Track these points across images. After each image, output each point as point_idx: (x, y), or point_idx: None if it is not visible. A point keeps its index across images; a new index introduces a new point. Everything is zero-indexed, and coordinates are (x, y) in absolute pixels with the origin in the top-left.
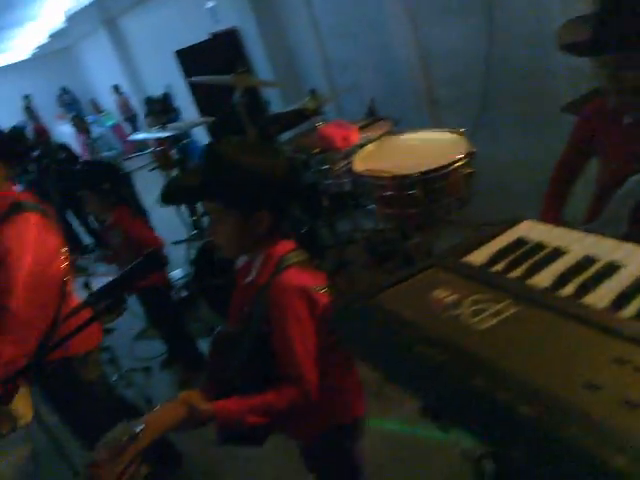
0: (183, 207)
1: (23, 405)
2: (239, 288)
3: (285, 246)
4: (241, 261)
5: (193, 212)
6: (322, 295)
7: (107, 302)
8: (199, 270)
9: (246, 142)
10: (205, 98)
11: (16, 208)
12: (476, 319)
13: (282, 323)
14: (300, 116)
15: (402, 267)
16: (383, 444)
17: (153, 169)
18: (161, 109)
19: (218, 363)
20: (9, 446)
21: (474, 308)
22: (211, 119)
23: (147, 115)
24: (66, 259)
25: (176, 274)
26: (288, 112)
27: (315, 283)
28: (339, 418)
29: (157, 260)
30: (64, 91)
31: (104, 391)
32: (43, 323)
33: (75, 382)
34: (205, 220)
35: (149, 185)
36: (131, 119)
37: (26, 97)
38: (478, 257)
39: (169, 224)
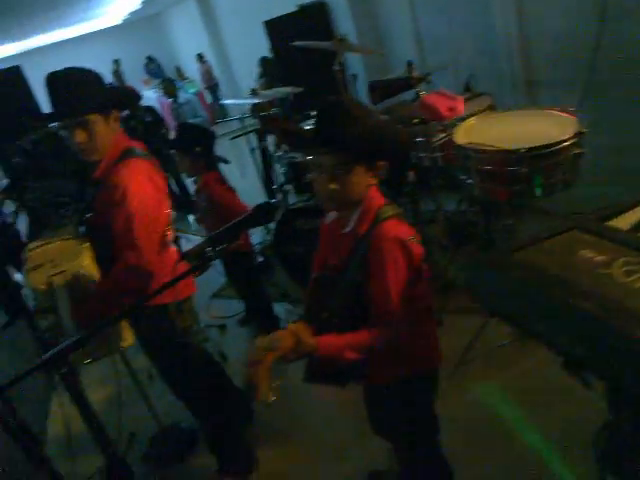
0: (261, 175)
1: (127, 329)
2: (331, 239)
3: (380, 199)
4: (329, 218)
5: (270, 181)
6: (416, 245)
7: (215, 250)
8: (279, 237)
9: (365, 106)
10: (291, 69)
11: (129, 153)
12: (630, 279)
13: (380, 269)
14: (404, 84)
15: (482, 251)
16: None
17: (235, 137)
18: (274, 70)
19: (315, 305)
20: (95, 385)
21: (626, 269)
22: (300, 89)
23: (261, 76)
24: (168, 209)
25: (253, 240)
26: (391, 79)
27: (410, 234)
28: (420, 365)
29: (267, 213)
30: (150, 59)
31: (195, 339)
32: (154, 262)
33: (169, 328)
34: (287, 188)
35: (227, 153)
36: (212, 88)
37: (115, 61)
38: (621, 223)
39: (248, 192)
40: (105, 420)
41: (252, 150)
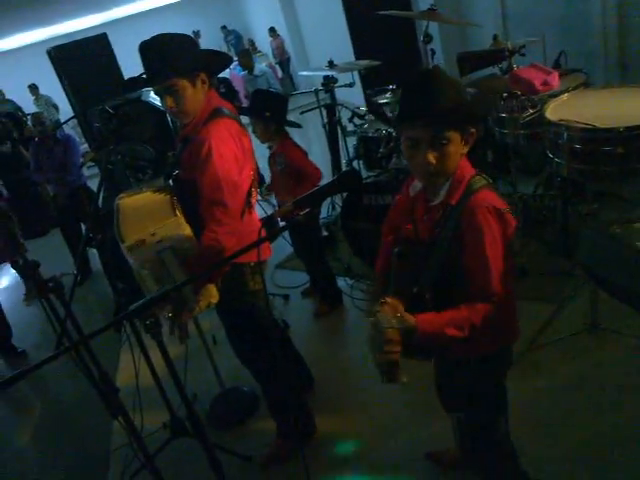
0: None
1: (215, 289)
2: (412, 211)
3: (471, 169)
4: (413, 189)
5: (338, 156)
6: (511, 216)
7: (303, 213)
8: (346, 212)
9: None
10: (364, 42)
11: (218, 112)
12: None
13: (477, 240)
14: (494, 57)
15: (558, 236)
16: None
17: (305, 112)
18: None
19: (403, 279)
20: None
21: None
22: (377, 62)
23: None
24: (254, 168)
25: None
26: (480, 51)
27: (504, 205)
28: (502, 340)
29: (352, 180)
30: (228, 29)
31: (265, 302)
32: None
33: (242, 289)
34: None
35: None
36: (284, 62)
37: (195, 33)
38: None
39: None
40: (170, 380)
41: (323, 125)
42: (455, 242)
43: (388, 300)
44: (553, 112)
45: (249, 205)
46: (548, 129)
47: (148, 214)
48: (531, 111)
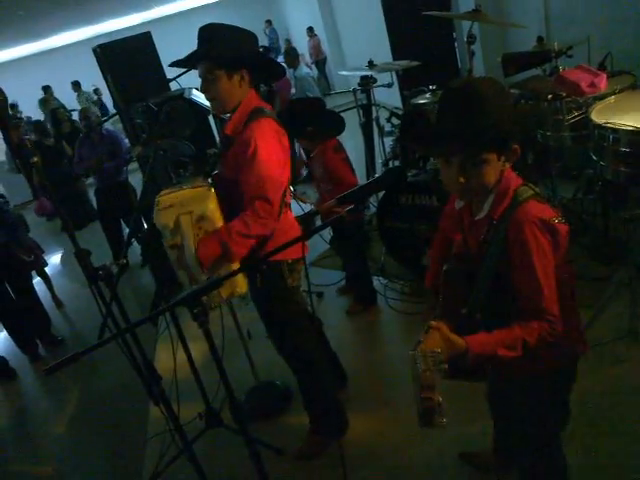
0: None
1: (241, 277)
2: (460, 226)
3: (516, 180)
4: (459, 203)
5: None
6: (562, 225)
7: (347, 209)
8: (382, 211)
9: (498, 85)
10: (402, 43)
11: (261, 112)
12: None
13: (525, 258)
14: (540, 58)
15: (598, 242)
16: None
17: (342, 112)
18: None
19: (451, 299)
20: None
21: None
22: (417, 63)
23: None
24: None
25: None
26: (525, 52)
27: (553, 214)
28: (561, 357)
29: (397, 176)
30: (271, 27)
31: (301, 298)
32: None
33: (280, 284)
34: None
35: None
36: (320, 62)
37: None
38: None
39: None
40: (205, 370)
41: (361, 125)
42: (502, 258)
43: (433, 324)
44: (599, 114)
45: (285, 204)
46: (593, 132)
47: (184, 194)
48: (576, 113)
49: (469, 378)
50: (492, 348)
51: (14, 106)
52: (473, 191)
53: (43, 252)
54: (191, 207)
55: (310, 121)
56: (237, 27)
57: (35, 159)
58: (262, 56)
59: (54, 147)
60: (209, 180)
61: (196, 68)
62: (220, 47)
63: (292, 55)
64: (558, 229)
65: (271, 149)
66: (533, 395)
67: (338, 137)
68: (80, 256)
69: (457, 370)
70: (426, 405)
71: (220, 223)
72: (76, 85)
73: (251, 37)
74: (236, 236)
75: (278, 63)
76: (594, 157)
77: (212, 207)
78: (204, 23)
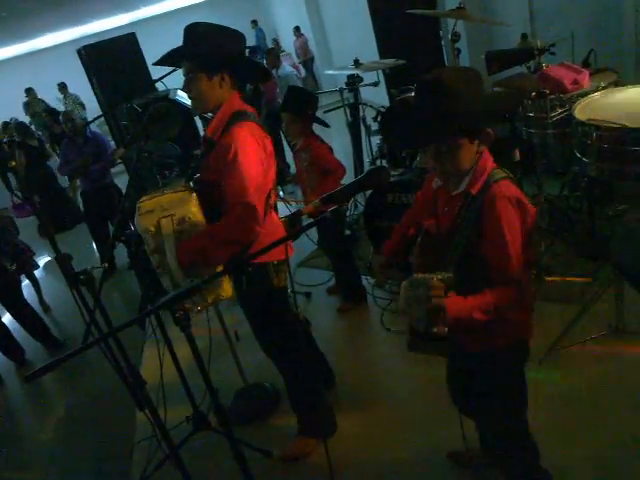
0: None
1: (227, 281)
2: (435, 202)
3: (491, 163)
4: (437, 182)
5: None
6: (530, 205)
7: (330, 209)
8: (369, 210)
9: (468, 72)
10: (389, 41)
11: (242, 115)
12: None
13: (496, 228)
14: (523, 55)
15: (584, 238)
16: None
17: (329, 111)
18: None
19: (426, 267)
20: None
21: None
22: (402, 61)
23: None
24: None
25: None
26: (509, 50)
27: (523, 196)
28: (516, 334)
29: (380, 177)
30: (258, 27)
31: (287, 299)
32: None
33: (266, 286)
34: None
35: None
36: (307, 62)
37: None
38: None
39: None
40: (192, 374)
41: (348, 124)
42: (475, 230)
43: (438, 275)
44: (582, 111)
45: (269, 206)
46: (577, 129)
47: (167, 202)
48: (559, 110)
49: (435, 347)
50: (468, 312)
51: None
52: (451, 174)
53: (34, 254)
54: (172, 210)
55: (310, 105)
56: (223, 27)
57: (13, 163)
58: (244, 59)
59: (38, 148)
60: (191, 184)
61: (180, 67)
62: (201, 48)
63: (273, 55)
64: (527, 207)
65: (252, 154)
66: (491, 371)
67: (325, 136)
68: (61, 261)
69: (425, 336)
70: (439, 302)
71: (202, 226)
72: (62, 87)
73: (236, 38)
74: (218, 241)
75: (261, 66)
76: (578, 154)
77: (194, 210)
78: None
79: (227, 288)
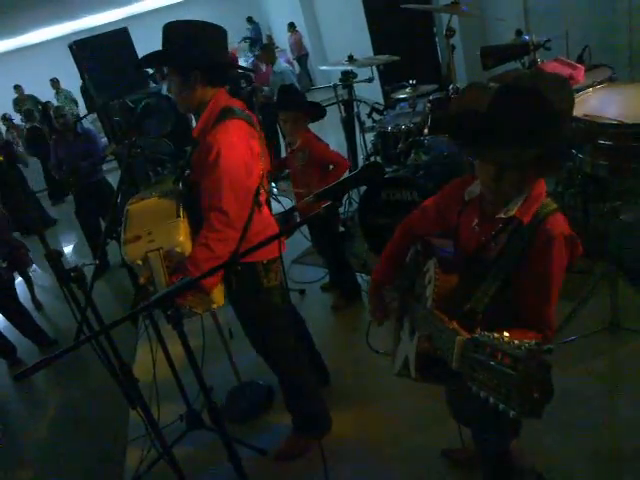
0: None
1: (218, 291)
2: (469, 215)
3: (544, 189)
4: (471, 192)
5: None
6: (580, 244)
7: (324, 206)
8: (364, 207)
9: (560, 82)
10: (383, 37)
11: (228, 113)
12: None
13: (547, 270)
14: (519, 51)
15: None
16: None
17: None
18: None
19: (454, 293)
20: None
21: None
22: (396, 57)
23: None
24: (264, 168)
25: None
26: (504, 45)
27: (572, 231)
28: None
29: (374, 172)
30: (253, 22)
31: (280, 299)
32: (241, 225)
33: (256, 286)
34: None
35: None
36: (302, 58)
37: None
38: None
39: None
40: (186, 371)
41: (342, 120)
42: (519, 263)
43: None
44: (577, 107)
45: (258, 203)
46: (572, 125)
47: (152, 215)
48: None
49: (437, 381)
50: None
51: None
52: (501, 195)
53: (29, 251)
54: (159, 242)
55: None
56: (200, 25)
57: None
58: (216, 59)
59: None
60: (180, 184)
61: (148, 67)
62: (172, 48)
63: (268, 50)
64: (578, 247)
65: (234, 155)
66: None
67: (319, 133)
68: (51, 258)
69: (432, 369)
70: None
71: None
72: (55, 82)
73: (213, 36)
74: (202, 268)
75: (236, 66)
76: (573, 151)
77: (181, 239)
78: (184, 18)
79: (219, 297)
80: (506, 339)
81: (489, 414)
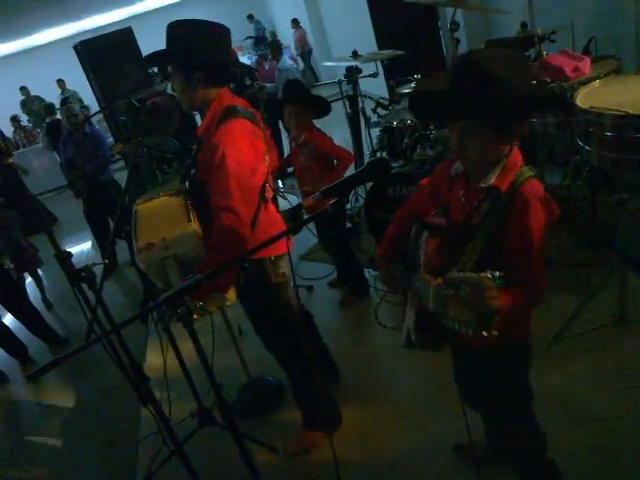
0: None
1: (232, 293)
2: (448, 190)
3: (521, 158)
4: (456, 169)
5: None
6: (556, 206)
7: (331, 203)
8: (370, 203)
9: (507, 55)
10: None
11: (231, 112)
12: None
13: (527, 230)
14: (523, 44)
15: (586, 227)
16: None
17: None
18: None
19: (440, 259)
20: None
21: None
22: (401, 52)
23: None
24: (269, 166)
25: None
26: (508, 38)
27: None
28: (518, 333)
29: (381, 169)
30: (255, 20)
31: (288, 294)
32: (250, 223)
33: (264, 282)
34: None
35: None
36: (305, 54)
37: None
38: None
39: None
40: (197, 368)
41: (347, 116)
42: (500, 228)
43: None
44: (583, 99)
45: (264, 200)
46: (578, 117)
47: (162, 219)
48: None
49: (434, 345)
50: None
51: None
52: (472, 162)
53: (38, 251)
54: (174, 248)
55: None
56: (202, 25)
57: (10, 160)
58: (218, 59)
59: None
60: (185, 184)
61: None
62: (173, 49)
63: (275, 47)
64: (554, 207)
65: (239, 154)
66: (493, 368)
67: (325, 129)
68: (61, 258)
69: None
70: (496, 304)
71: (204, 254)
72: (61, 83)
73: (215, 35)
74: (219, 263)
75: (241, 63)
76: (580, 143)
77: (195, 244)
78: (187, 17)
79: (231, 295)
80: (468, 273)
81: (494, 391)
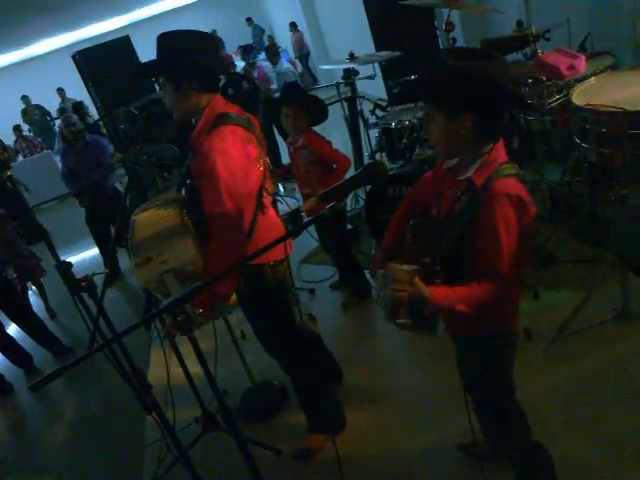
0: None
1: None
2: (439, 187)
3: (504, 156)
4: (448, 164)
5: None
6: (531, 205)
7: (328, 207)
8: (370, 204)
9: (476, 52)
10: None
11: (223, 119)
12: None
13: (492, 224)
14: (518, 42)
15: (587, 223)
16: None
17: (330, 104)
18: None
19: (415, 250)
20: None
21: None
22: (398, 53)
23: None
24: (265, 171)
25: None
26: (504, 37)
27: (528, 197)
28: (507, 323)
29: (378, 172)
30: (253, 24)
31: (288, 299)
32: (246, 229)
33: (264, 287)
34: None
35: None
36: (303, 57)
37: (213, 31)
38: None
39: None
40: (201, 374)
41: (345, 118)
42: (472, 221)
43: (406, 267)
44: (580, 96)
45: (261, 207)
46: (575, 114)
47: (158, 231)
48: (557, 96)
49: (420, 326)
50: (452, 302)
51: None
52: (438, 146)
53: (40, 260)
54: (171, 262)
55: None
56: (192, 35)
57: (9, 173)
58: (208, 67)
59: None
60: (181, 192)
61: (144, 76)
62: (165, 58)
63: (272, 51)
64: (528, 207)
65: (230, 160)
66: (476, 355)
67: (323, 132)
68: (61, 268)
69: (412, 314)
70: (398, 295)
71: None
72: (61, 91)
73: (205, 44)
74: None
75: (228, 72)
76: (577, 140)
77: (192, 257)
78: (183, 24)
79: (232, 298)
80: (396, 265)
81: (475, 378)
